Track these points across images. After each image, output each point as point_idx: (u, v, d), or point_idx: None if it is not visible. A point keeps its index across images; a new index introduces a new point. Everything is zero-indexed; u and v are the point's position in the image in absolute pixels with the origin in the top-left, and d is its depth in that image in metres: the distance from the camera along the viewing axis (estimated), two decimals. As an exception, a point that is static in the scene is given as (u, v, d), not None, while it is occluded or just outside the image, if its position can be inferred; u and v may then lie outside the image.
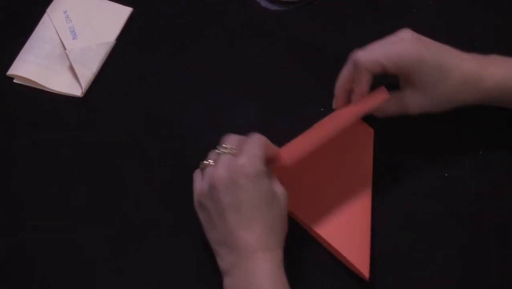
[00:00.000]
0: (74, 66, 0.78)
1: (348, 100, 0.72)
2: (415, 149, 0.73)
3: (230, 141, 0.64)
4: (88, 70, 0.78)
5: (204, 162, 0.64)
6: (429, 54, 0.66)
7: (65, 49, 0.79)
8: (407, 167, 0.72)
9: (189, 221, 0.67)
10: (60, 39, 0.80)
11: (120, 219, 0.70)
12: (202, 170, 0.64)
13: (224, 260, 0.61)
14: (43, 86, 0.78)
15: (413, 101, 0.69)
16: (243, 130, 0.73)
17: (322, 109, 0.75)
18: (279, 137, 0.73)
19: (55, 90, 0.78)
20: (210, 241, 0.63)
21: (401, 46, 0.66)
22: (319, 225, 0.68)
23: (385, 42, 0.68)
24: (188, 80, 0.79)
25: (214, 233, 0.62)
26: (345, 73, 0.70)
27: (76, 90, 0.77)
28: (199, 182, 0.63)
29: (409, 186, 0.71)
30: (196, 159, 0.71)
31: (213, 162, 0.63)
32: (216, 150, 0.64)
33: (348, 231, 0.68)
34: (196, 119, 0.76)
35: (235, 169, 0.60)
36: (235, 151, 0.62)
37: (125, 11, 0.83)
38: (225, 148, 0.63)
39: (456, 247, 0.68)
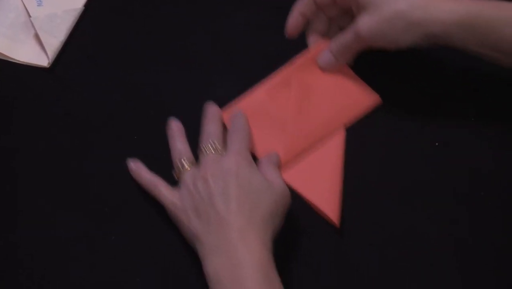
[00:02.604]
0: (40, 35, 0.74)
1: (301, 29, 0.72)
2: (405, 118, 0.71)
3: (213, 135, 0.66)
4: (55, 39, 0.75)
5: (182, 164, 0.65)
6: None
7: (29, 16, 0.76)
8: (395, 135, 0.70)
9: None
10: (24, 5, 0.77)
11: (92, 196, 0.67)
12: (179, 172, 0.65)
13: (208, 244, 0.59)
14: (7, 57, 0.75)
15: (363, 24, 0.66)
16: (223, 101, 0.71)
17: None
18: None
19: (19, 61, 0.75)
20: (190, 232, 0.61)
21: None
22: (286, 171, 0.67)
23: None
24: (164, 48, 0.76)
25: (199, 223, 0.60)
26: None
27: (42, 60, 0.74)
28: (179, 191, 0.63)
29: (397, 153, 0.69)
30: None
31: (190, 162, 0.65)
32: (203, 149, 0.65)
33: (317, 178, 0.67)
34: (173, 90, 0.74)
35: (225, 165, 0.62)
36: (222, 152, 0.65)
37: (94, -25, 0.79)
38: (212, 147, 0.65)
39: (430, 203, 0.67)
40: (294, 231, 0.64)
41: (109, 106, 0.72)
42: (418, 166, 0.68)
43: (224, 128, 0.69)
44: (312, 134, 0.69)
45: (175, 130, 0.68)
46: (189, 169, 0.64)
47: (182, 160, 0.65)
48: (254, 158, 0.67)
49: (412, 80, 0.73)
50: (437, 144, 0.69)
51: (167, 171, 0.66)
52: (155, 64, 0.75)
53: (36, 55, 0.74)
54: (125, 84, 0.73)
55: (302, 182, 0.67)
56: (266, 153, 0.68)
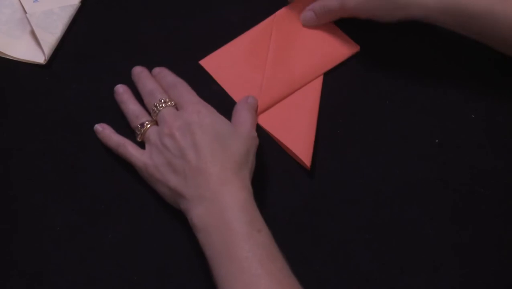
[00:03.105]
0: (36, 31, 0.73)
1: None
2: (404, 115, 0.71)
3: (156, 91, 0.67)
4: (51, 35, 0.74)
5: (143, 126, 0.65)
6: None
7: (25, 13, 0.75)
8: (396, 135, 0.70)
9: (161, 199, 0.64)
10: (20, 2, 0.76)
11: (89, 194, 0.66)
12: (143, 134, 0.65)
13: (189, 196, 0.60)
14: (3, 54, 0.74)
15: None
16: (222, 97, 0.70)
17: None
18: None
19: (15, 58, 0.74)
20: (169, 188, 0.61)
21: None
22: (261, 113, 0.69)
23: None
24: (161, 44, 0.75)
25: (176, 178, 0.61)
26: None
27: (38, 57, 0.73)
28: (147, 150, 0.64)
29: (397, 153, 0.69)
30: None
31: (150, 121, 0.65)
32: (154, 108, 0.65)
33: (291, 120, 0.69)
34: None
35: (185, 116, 0.63)
36: (172, 103, 0.65)
37: (90, -29, 0.78)
38: (165, 102, 0.65)
39: (429, 201, 0.66)
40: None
41: (106, 103, 0.71)
42: (417, 164, 0.68)
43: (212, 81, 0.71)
44: (290, 82, 0.71)
45: (124, 93, 0.69)
46: (150, 127, 0.65)
47: (142, 121, 0.65)
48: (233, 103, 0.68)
49: (414, 83, 0.73)
50: (437, 141, 0.69)
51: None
52: (152, 60, 0.73)
53: (32, 51, 0.73)
54: (122, 79, 0.72)
55: (276, 124, 0.69)
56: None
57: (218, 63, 0.72)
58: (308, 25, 0.74)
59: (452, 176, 0.67)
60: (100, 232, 0.64)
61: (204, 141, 0.61)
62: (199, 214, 0.59)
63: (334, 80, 0.72)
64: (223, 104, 0.68)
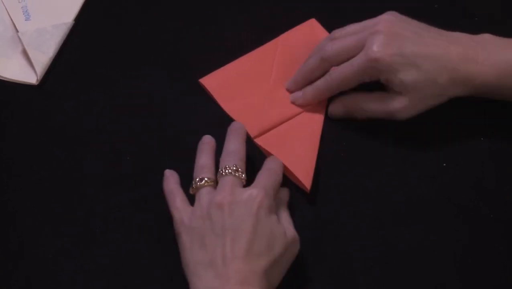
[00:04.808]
0: (28, 51, 0.72)
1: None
2: (410, 139, 0.69)
3: (236, 154, 0.62)
4: (44, 55, 0.72)
5: (200, 182, 0.61)
6: (402, 55, 0.63)
7: (17, 31, 0.74)
8: (402, 158, 0.68)
9: (156, 218, 0.63)
10: (12, 20, 0.75)
11: (82, 215, 0.65)
12: (196, 189, 0.61)
13: (203, 283, 0.56)
14: (-6, 74, 0.73)
15: (397, 103, 0.66)
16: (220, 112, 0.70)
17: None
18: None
19: (7, 78, 0.72)
20: (189, 262, 0.58)
21: (369, 53, 0.64)
22: (263, 134, 0.68)
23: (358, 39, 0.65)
24: (157, 62, 0.74)
25: (201, 254, 0.57)
26: (312, 65, 0.69)
27: (30, 77, 0.72)
28: (193, 208, 0.60)
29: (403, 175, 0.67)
30: (166, 153, 0.68)
31: (210, 180, 0.61)
32: (223, 170, 0.61)
33: (294, 142, 0.67)
34: (166, 103, 0.71)
35: (246, 197, 0.58)
36: (242, 175, 0.61)
37: (84, -12, 0.77)
38: (233, 169, 0.61)
39: (433, 221, 0.65)
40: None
41: (101, 124, 0.70)
42: (424, 188, 0.66)
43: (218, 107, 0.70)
44: (293, 104, 0.70)
45: (207, 144, 0.65)
46: (207, 186, 0.61)
47: (203, 175, 0.61)
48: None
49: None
50: (444, 165, 0.67)
51: (158, 184, 0.63)
52: (147, 78, 0.73)
53: (24, 71, 0.72)
54: (118, 100, 0.71)
55: (278, 144, 0.67)
56: (244, 120, 0.67)
57: (219, 82, 0.71)
58: (334, 117, 0.70)
59: (459, 199, 0.66)
60: (94, 255, 0.63)
61: (248, 233, 0.56)
62: None
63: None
64: (222, 126, 0.66)
